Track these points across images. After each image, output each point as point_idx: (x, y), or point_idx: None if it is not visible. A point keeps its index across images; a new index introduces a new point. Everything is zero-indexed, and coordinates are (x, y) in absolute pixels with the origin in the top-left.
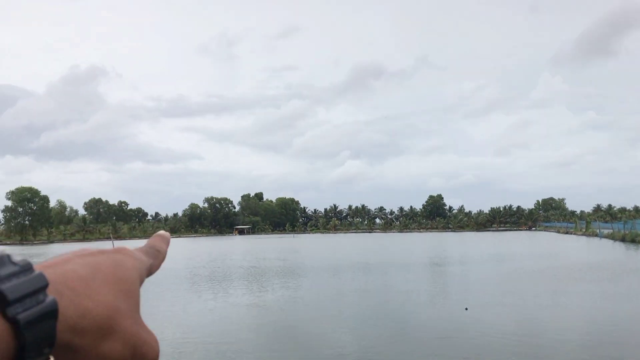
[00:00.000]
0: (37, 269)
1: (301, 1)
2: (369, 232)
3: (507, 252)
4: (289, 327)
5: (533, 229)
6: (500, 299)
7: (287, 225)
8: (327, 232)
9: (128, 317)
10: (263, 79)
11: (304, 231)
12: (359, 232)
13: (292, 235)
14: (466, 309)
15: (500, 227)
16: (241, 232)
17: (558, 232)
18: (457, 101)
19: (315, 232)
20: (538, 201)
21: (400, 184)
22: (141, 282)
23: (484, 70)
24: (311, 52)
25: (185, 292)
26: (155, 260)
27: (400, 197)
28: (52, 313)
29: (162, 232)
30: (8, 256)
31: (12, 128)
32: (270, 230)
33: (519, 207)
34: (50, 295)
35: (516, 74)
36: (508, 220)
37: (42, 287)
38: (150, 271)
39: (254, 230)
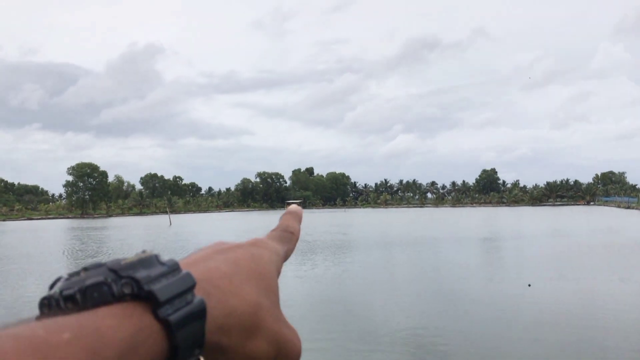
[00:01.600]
0: (183, 267)
1: None
2: (421, 207)
3: (566, 227)
4: (342, 301)
5: (591, 203)
6: (561, 275)
7: (337, 200)
8: (377, 207)
9: (270, 314)
10: (313, 53)
11: (355, 206)
12: (410, 207)
13: (343, 209)
14: (529, 285)
15: (556, 201)
16: None
17: (618, 206)
18: (513, 73)
19: (366, 207)
20: (597, 175)
21: (453, 158)
22: (278, 273)
23: (541, 41)
24: (364, 25)
25: None
26: (290, 244)
27: (452, 172)
28: (201, 313)
29: (293, 207)
30: (156, 256)
31: (73, 106)
32: (321, 204)
33: (576, 181)
34: (198, 295)
35: (575, 44)
36: (565, 194)
37: (191, 287)
38: (287, 257)
39: (304, 204)
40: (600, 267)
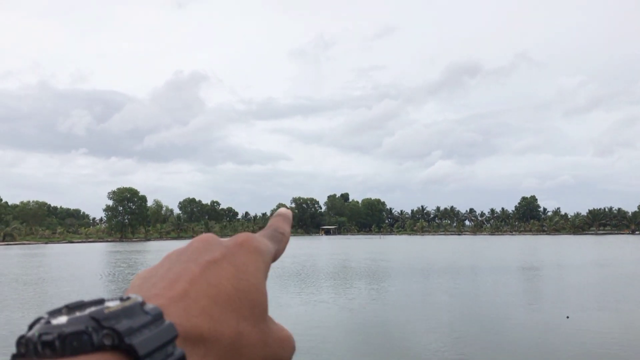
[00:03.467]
0: (159, 300)
1: (399, 1)
2: (458, 234)
3: (608, 256)
4: (377, 329)
5: (637, 233)
6: (602, 306)
7: (373, 226)
8: (413, 234)
9: (254, 332)
10: (350, 79)
11: (390, 232)
12: (447, 235)
13: (378, 236)
14: (567, 317)
15: (599, 230)
16: (327, 232)
17: None
18: (556, 98)
19: (402, 234)
20: None
21: (492, 185)
22: (267, 272)
23: (585, 65)
24: (405, 52)
25: (275, 289)
26: (279, 245)
27: (491, 199)
28: None
29: (283, 210)
30: (140, 304)
31: (118, 131)
32: (356, 230)
33: (620, 209)
34: (178, 347)
35: (620, 67)
36: (608, 223)
37: (172, 338)
38: (276, 257)
39: (339, 230)
40: None
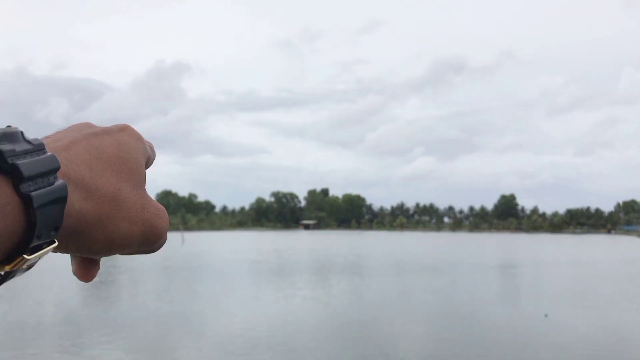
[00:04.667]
0: (48, 148)
1: None
2: (437, 231)
3: (585, 255)
4: (356, 325)
5: (612, 232)
6: (579, 305)
7: (352, 222)
8: (393, 230)
9: (133, 194)
10: (333, 73)
11: (370, 228)
12: (426, 231)
13: (357, 232)
14: (546, 315)
15: (577, 229)
16: (307, 227)
17: None
18: (539, 97)
19: (381, 230)
20: (618, 203)
21: (472, 183)
22: (147, 162)
23: (568, 65)
24: (391, 47)
25: (253, 284)
26: (152, 153)
27: (470, 196)
28: (62, 195)
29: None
30: (22, 133)
31: (97, 121)
32: (335, 226)
33: (597, 209)
34: (60, 179)
35: (604, 68)
36: (586, 222)
37: (55, 168)
38: (150, 163)
39: (319, 225)
40: (620, 298)
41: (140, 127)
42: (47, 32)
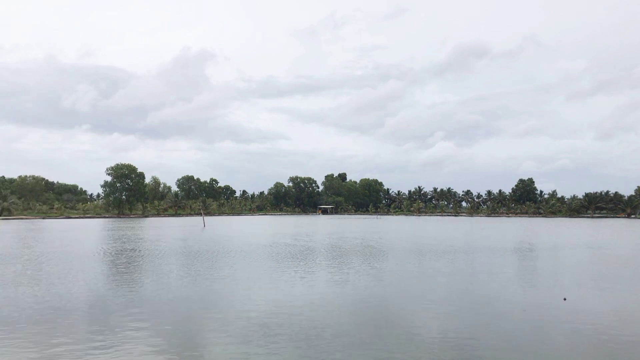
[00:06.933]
0: None
1: None
2: (455, 215)
3: (606, 239)
4: (375, 309)
5: (632, 216)
6: (598, 288)
7: (370, 206)
8: (410, 215)
9: None
10: (353, 59)
11: (387, 213)
12: (444, 215)
13: (375, 216)
14: (565, 299)
15: (595, 213)
16: (324, 211)
17: None
18: (560, 82)
19: (399, 214)
20: (638, 187)
21: (490, 167)
22: None
23: (592, 49)
24: (414, 33)
25: (274, 267)
26: None
27: (489, 181)
28: None
29: None
30: None
31: (123, 108)
32: (353, 210)
33: (616, 192)
34: None
35: (627, 52)
36: (604, 206)
37: None
38: None
39: (336, 210)
40: (639, 282)
41: (164, 114)
42: (75, 21)
